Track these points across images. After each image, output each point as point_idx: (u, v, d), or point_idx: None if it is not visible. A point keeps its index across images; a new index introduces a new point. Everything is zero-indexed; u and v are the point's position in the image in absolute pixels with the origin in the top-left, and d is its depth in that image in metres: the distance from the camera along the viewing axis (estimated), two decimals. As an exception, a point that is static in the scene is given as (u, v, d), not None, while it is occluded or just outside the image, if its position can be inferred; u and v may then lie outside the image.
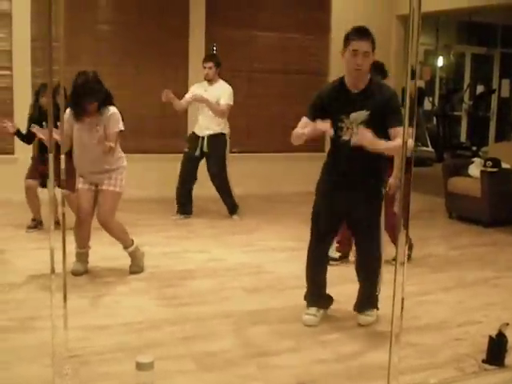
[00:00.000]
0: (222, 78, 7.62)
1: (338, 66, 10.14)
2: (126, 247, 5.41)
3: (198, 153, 7.56)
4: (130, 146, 7.05)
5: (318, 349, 3.93)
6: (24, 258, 5.66)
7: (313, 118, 4.06)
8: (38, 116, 6.40)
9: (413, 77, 2.60)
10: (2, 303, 4.51)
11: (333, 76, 9.98)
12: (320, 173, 4.32)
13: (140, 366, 2.96)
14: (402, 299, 2.71)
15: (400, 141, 3.84)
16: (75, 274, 5.19)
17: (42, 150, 6.44)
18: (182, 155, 7.68)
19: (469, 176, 7.98)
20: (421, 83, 13.82)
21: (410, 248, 5.79)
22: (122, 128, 5.20)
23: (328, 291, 4.46)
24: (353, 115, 4.01)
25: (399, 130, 3.68)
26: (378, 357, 3.68)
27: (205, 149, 7.55)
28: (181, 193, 7.66)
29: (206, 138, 7.54)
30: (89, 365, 3.55)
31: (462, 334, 4.19)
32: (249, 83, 9.57)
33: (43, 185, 6.52)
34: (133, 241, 5.44)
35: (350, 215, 4.28)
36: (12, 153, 8.27)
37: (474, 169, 7.95)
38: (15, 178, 7.85)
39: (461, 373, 3.60)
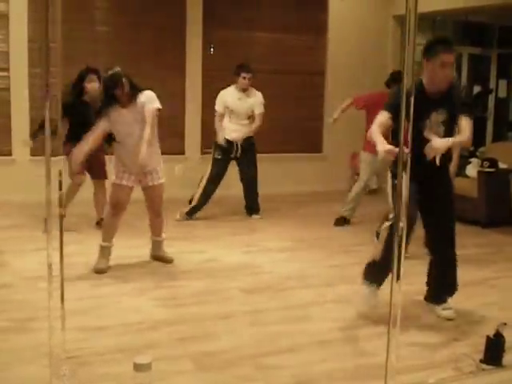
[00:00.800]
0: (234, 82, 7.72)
1: (335, 66, 10.19)
2: (159, 235, 5.75)
3: (233, 156, 7.71)
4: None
5: (315, 349, 3.93)
6: (22, 259, 5.66)
7: (394, 114, 4.11)
8: (74, 103, 6.36)
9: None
10: (1, 304, 4.51)
11: (330, 76, 10.04)
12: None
13: (138, 367, 2.95)
14: (400, 299, 2.71)
15: (468, 132, 4.17)
16: (99, 271, 5.33)
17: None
18: (178, 156, 7.72)
19: (466, 176, 7.98)
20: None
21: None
22: (160, 106, 5.35)
23: (327, 291, 4.45)
24: (434, 115, 4.22)
25: (467, 120, 4.19)
26: (375, 356, 3.68)
27: (239, 153, 7.68)
28: (209, 196, 7.71)
29: (239, 143, 7.67)
30: (86, 366, 3.56)
31: (459, 334, 4.20)
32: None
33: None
34: None
35: (428, 205, 4.42)
36: (10, 154, 8.26)
37: (471, 169, 7.96)
38: (13, 180, 7.87)
39: (458, 373, 3.60)
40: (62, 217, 2.79)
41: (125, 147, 5.34)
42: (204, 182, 7.63)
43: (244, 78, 7.56)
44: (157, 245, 5.76)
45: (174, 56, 9.12)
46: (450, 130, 4.29)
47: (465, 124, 4.18)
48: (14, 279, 5.09)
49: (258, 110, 7.67)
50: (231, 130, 7.67)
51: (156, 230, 5.74)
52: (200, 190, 7.62)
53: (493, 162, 7.74)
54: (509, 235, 7.28)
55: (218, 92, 7.70)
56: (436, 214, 4.49)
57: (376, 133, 4.16)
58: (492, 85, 14.42)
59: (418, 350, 3.92)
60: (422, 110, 4.11)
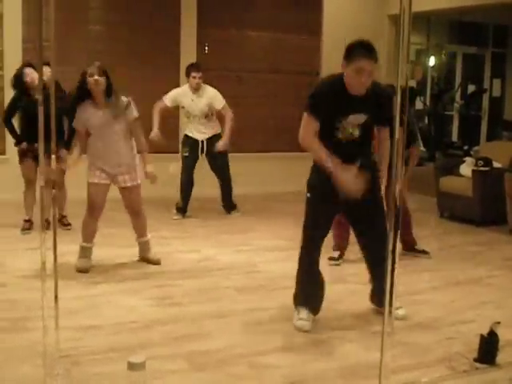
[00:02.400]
0: (205, 82, 7.72)
1: (330, 65, 10.18)
2: (143, 236, 5.68)
3: (199, 154, 7.72)
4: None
5: (309, 348, 3.93)
6: (15, 258, 5.65)
7: (318, 119, 4.07)
8: (20, 102, 6.42)
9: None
10: (-6, 304, 4.51)
11: (324, 75, 10.01)
12: (311, 171, 4.31)
13: (132, 366, 2.95)
14: (394, 298, 2.72)
15: (388, 144, 4.10)
16: (81, 270, 5.32)
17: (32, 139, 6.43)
18: (172, 155, 7.72)
19: (460, 175, 7.99)
20: (412, 83, 13.83)
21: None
22: (137, 115, 5.40)
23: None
24: (351, 117, 4.03)
25: (386, 130, 4.09)
26: (369, 356, 3.68)
27: (205, 151, 7.69)
28: (186, 194, 7.75)
29: (205, 142, 7.67)
30: (80, 365, 3.55)
31: (453, 333, 4.20)
32: (240, 83, 9.57)
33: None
34: None
35: (352, 212, 4.31)
36: (3, 153, 8.24)
37: (466, 168, 7.97)
38: (6, 179, 7.84)
39: (452, 371, 3.61)
40: (54, 216, 2.79)
41: (102, 142, 5.34)
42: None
43: (194, 77, 7.52)
44: (142, 246, 5.71)
45: (169, 55, 9.11)
46: (365, 134, 4.12)
47: (385, 133, 4.15)
48: (8, 278, 5.08)
49: (218, 105, 7.58)
50: (193, 130, 7.72)
51: (139, 230, 5.69)
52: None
53: (487, 161, 7.75)
54: (503, 234, 7.29)
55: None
56: (367, 235, 4.35)
57: (318, 147, 4.08)
58: (486, 84, 14.45)
59: (411, 349, 3.92)
60: (341, 109, 4.03)
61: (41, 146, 2.68)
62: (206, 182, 7.75)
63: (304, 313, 4.27)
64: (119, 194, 5.54)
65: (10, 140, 8.00)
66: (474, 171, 7.71)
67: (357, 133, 4.08)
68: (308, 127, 4.12)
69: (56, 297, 2.90)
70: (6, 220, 6.91)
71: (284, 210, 8.29)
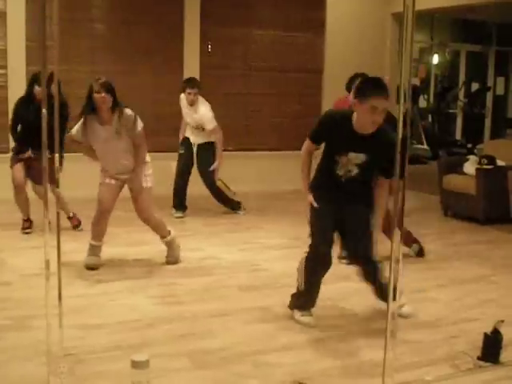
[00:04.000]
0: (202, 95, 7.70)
1: (333, 63, 10.20)
2: (163, 237, 5.67)
3: (193, 154, 7.76)
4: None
5: (313, 346, 3.93)
6: (19, 257, 5.66)
7: (317, 143, 4.25)
8: (26, 108, 6.39)
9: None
10: (-2, 302, 4.52)
11: (328, 73, 10.03)
12: (313, 180, 4.37)
13: (135, 365, 2.96)
14: (397, 296, 2.72)
15: (385, 193, 4.16)
16: (91, 267, 5.37)
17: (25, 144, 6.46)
18: (174, 154, 7.76)
19: (464, 173, 7.99)
20: (415, 81, 13.82)
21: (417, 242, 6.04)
22: (142, 125, 5.40)
23: (324, 288, 4.44)
24: (351, 155, 4.04)
25: (386, 180, 4.10)
26: (373, 354, 3.68)
27: (195, 154, 7.77)
28: (177, 190, 7.78)
29: (196, 146, 7.76)
30: (84, 363, 3.55)
31: (457, 332, 4.20)
32: (244, 81, 9.57)
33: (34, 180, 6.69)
34: (169, 231, 5.71)
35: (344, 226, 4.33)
36: (7, 152, 8.24)
37: (469, 166, 7.96)
38: (10, 177, 7.84)
39: (456, 370, 3.61)
40: (58, 214, 2.79)
41: (105, 156, 5.39)
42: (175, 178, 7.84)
43: (189, 93, 7.49)
44: (166, 246, 5.74)
45: (172, 54, 9.11)
46: (364, 174, 4.11)
47: (385, 183, 4.14)
48: (12, 277, 5.09)
49: (208, 126, 7.53)
50: (190, 133, 7.81)
51: (157, 232, 5.70)
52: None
53: (491, 159, 7.75)
54: (507, 232, 7.28)
55: (216, 91, 7.71)
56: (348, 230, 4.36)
57: (305, 172, 4.30)
58: (490, 82, 14.43)
59: (415, 347, 3.92)
60: (344, 144, 4.05)
61: (45, 152, 2.69)
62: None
63: (307, 312, 4.30)
64: (123, 193, 5.55)
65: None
66: (477, 169, 7.70)
67: (355, 171, 4.08)
68: (305, 148, 4.32)
69: (60, 295, 2.91)
70: (10, 219, 6.91)
71: (288, 208, 8.28)
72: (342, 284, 5.09)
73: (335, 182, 4.15)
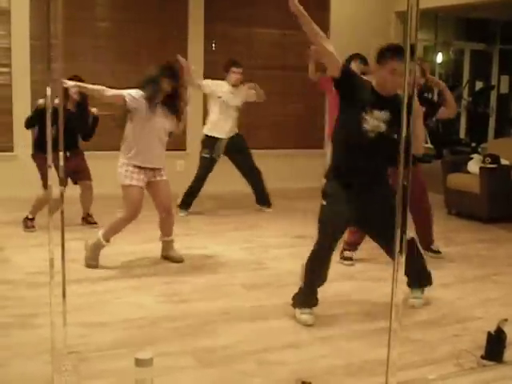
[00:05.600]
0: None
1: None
2: (169, 235, 5.72)
3: (220, 154, 7.74)
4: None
5: (317, 345, 3.94)
6: (23, 255, 5.67)
7: (341, 83, 4.20)
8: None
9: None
10: (2, 300, 4.52)
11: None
12: (325, 178, 4.34)
13: (139, 363, 2.96)
14: (401, 295, 2.72)
15: (418, 122, 4.22)
16: (93, 266, 5.42)
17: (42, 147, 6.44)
18: (175, 152, 7.76)
19: (468, 172, 7.98)
20: (422, 81, 13.80)
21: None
22: None
23: (328, 287, 4.45)
24: (376, 112, 4.13)
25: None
26: (377, 353, 3.68)
27: (228, 149, 7.75)
28: (195, 193, 7.75)
29: (231, 139, 7.75)
30: (88, 361, 3.56)
31: (461, 330, 4.20)
32: (248, 79, 9.57)
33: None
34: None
35: (364, 223, 4.38)
36: (11, 150, 8.27)
37: (473, 165, 7.95)
38: (14, 176, 7.88)
39: (459, 368, 3.61)
40: (62, 213, 2.80)
41: (143, 134, 5.37)
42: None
43: (237, 72, 7.70)
44: (167, 244, 5.74)
45: (176, 52, 9.06)
46: (391, 131, 4.10)
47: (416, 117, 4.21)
48: (16, 275, 5.10)
49: (251, 94, 7.85)
50: (222, 128, 7.78)
51: (166, 229, 5.71)
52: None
53: (495, 158, 7.74)
54: (510, 231, 7.28)
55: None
56: (376, 229, 4.39)
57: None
58: (494, 81, 14.41)
59: (418, 346, 3.92)
60: (367, 103, 4.14)
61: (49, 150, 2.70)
62: (209, 180, 7.74)
63: (307, 310, 4.31)
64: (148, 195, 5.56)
65: (17, 137, 8.05)
66: (481, 168, 7.70)
67: (383, 127, 4.13)
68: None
69: (64, 293, 2.91)
70: (14, 217, 6.92)
71: (291, 206, 8.29)
72: (346, 283, 5.09)
73: (361, 144, 4.14)
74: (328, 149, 7.00)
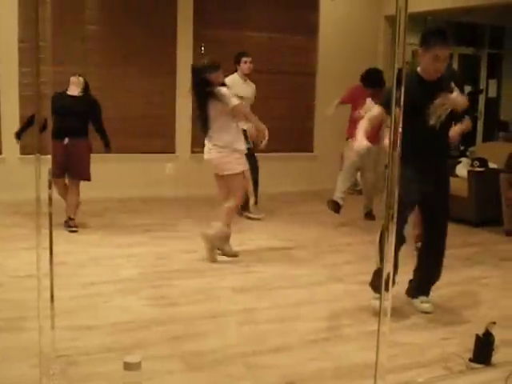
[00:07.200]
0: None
1: (326, 65, 10.20)
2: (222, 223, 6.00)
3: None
4: (116, 146, 7.06)
5: (305, 348, 3.94)
6: (12, 258, 5.64)
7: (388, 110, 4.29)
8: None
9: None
10: (-10, 304, 4.50)
11: (321, 76, 10.06)
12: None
13: (127, 366, 2.95)
14: (390, 299, 2.72)
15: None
16: (235, 255, 6.01)
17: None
18: (168, 155, 7.75)
19: (456, 176, 7.99)
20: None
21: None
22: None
23: (317, 290, 4.45)
24: (436, 101, 4.25)
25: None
26: (365, 356, 3.68)
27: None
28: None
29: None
30: (76, 365, 3.55)
31: (449, 333, 4.21)
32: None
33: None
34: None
35: (429, 200, 4.52)
36: (0, 153, 8.24)
37: (462, 169, 7.97)
38: (3, 178, 7.84)
39: (448, 372, 3.62)
40: (51, 215, 2.79)
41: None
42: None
43: (247, 62, 7.79)
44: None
45: (165, 55, 9.11)
46: (449, 114, 4.34)
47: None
48: (4, 278, 5.08)
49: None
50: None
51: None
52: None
53: (483, 162, 7.77)
54: (499, 234, 7.30)
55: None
56: (434, 212, 4.59)
57: (361, 128, 4.35)
58: (482, 85, 14.47)
59: (407, 349, 3.93)
60: (424, 98, 4.23)
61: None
62: (197, 183, 7.73)
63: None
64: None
65: (6, 139, 8.02)
66: (469, 172, 7.72)
67: (443, 115, 4.29)
68: (370, 113, 4.49)
69: (52, 297, 2.90)
70: (2, 220, 6.89)
71: (282, 210, 8.29)
72: (335, 286, 5.09)
73: (428, 141, 4.30)
74: (347, 149, 7.65)
